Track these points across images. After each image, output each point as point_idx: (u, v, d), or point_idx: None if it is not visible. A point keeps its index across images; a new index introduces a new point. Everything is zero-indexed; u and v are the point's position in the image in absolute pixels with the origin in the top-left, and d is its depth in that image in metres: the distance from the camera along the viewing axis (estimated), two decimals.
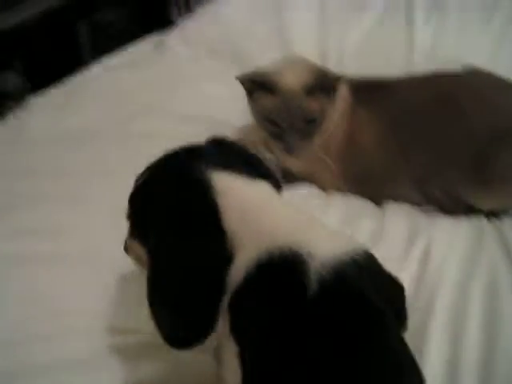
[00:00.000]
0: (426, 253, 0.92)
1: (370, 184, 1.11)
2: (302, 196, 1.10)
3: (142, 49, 1.47)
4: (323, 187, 1.14)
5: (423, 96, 1.08)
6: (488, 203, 1.06)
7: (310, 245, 0.60)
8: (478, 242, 0.96)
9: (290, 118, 1.03)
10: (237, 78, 1.05)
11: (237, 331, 0.60)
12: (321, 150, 1.09)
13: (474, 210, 1.06)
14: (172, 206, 0.66)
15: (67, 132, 1.15)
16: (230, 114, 1.22)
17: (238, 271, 0.60)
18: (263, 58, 1.15)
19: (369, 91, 1.10)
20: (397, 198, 1.09)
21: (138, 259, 0.74)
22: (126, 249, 0.76)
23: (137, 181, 0.72)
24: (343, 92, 1.09)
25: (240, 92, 1.09)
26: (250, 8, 1.47)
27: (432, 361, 0.76)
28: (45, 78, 2.08)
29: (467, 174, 1.04)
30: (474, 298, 0.85)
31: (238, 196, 0.65)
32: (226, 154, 0.72)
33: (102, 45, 2.35)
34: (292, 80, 1.04)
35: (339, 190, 1.12)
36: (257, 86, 1.05)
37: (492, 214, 1.06)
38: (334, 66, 1.29)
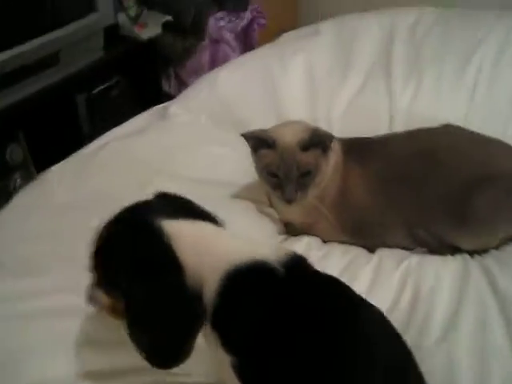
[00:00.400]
0: (416, 291, 1.05)
1: (364, 232, 1.24)
2: (301, 247, 1.22)
3: (147, 118, 1.60)
4: (322, 237, 1.27)
5: (405, 151, 1.23)
6: (469, 243, 1.19)
7: (263, 253, 0.77)
8: (464, 277, 1.09)
9: (287, 169, 1.17)
10: (242, 135, 1.20)
11: (227, 342, 0.74)
12: (317, 201, 1.23)
13: (459, 250, 1.20)
14: (135, 254, 0.78)
15: (88, 197, 1.27)
16: (235, 175, 1.35)
17: (209, 294, 0.74)
18: (259, 124, 1.29)
19: (358, 149, 1.25)
20: (389, 243, 1.22)
21: (101, 307, 0.85)
22: (90, 298, 0.86)
23: (98, 236, 0.82)
24: (336, 150, 1.23)
25: (242, 153, 1.24)
26: (243, 78, 1.64)
27: None
28: (46, 149, 2.24)
29: (448, 218, 1.18)
30: (465, 332, 0.97)
31: (188, 236, 0.79)
32: (171, 204, 0.86)
33: (99, 115, 2.54)
34: (288, 137, 1.19)
35: (337, 238, 1.26)
36: (259, 142, 1.20)
37: (475, 253, 1.19)
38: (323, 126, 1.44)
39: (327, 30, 1.79)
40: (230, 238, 0.82)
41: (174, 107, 1.59)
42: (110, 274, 0.81)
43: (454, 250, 1.19)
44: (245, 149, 1.24)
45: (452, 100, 1.49)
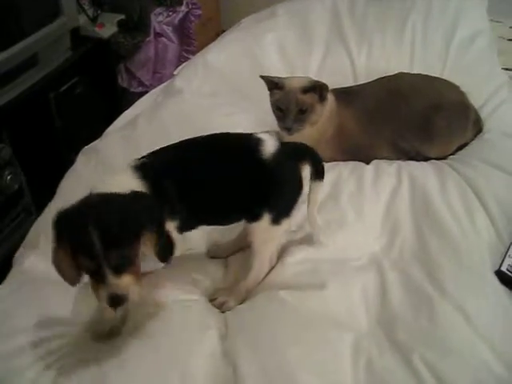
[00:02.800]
0: (411, 177, 1.55)
1: (358, 153, 1.70)
2: None
3: (158, 95, 2.00)
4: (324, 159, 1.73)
5: (379, 92, 1.72)
6: (434, 152, 1.70)
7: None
8: (440, 169, 1.59)
9: (289, 105, 1.59)
10: (261, 76, 1.62)
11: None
12: (318, 135, 1.66)
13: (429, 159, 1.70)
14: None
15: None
16: (247, 127, 1.76)
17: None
18: (253, 90, 1.73)
19: (345, 95, 1.71)
20: (378, 157, 1.70)
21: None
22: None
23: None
24: (331, 100, 1.66)
25: (249, 112, 1.70)
26: (229, 57, 2.08)
27: None
28: (28, 145, 2.53)
29: (417, 135, 1.67)
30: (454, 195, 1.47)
31: None
32: None
33: (67, 111, 2.83)
34: (294, 82, 1.62)
35: (336, 160, 1.71)
36: (273, 84, 1.63)
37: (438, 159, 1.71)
38: None
39: (281, 12, 2.27)
40: None
41: (178, 83, 1.98)
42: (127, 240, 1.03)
43: (425, 159, 1.70)
44: (248, 107, 1.67)
45: (397, 55, 2.02)
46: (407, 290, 1.23)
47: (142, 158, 1.20)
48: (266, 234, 1.24)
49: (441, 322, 1.15)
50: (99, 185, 1.08)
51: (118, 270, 0.99)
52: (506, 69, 2.12)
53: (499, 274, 1.28)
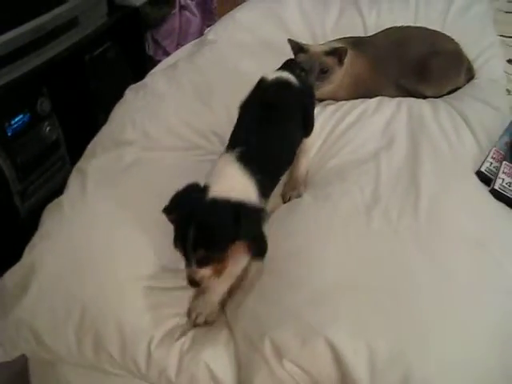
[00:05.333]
0: (409, 106, 1.92)
1: (369, 93, 2.06)
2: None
3: (193, 46, 2.39)
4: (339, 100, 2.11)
5: (387, 41, 2.09)
6: (430, 91, 2.05)
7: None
8: (435, 102, 1.96)
9: (312, 65, 1.93)
10: (289, 40, 1.98)
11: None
12: (338, 88, 2.02)
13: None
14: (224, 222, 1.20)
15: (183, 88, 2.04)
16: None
17: None
18: (278, 45, 2.10)
19: (358, 46, 2.06)
20: (384, 95, 2.07)
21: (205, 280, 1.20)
22: (197, 279, 1.18)
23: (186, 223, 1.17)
24: (348, 59, 1.97)
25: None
26: (256, 17, 2.46)
27: None
28: (66, 102, 2.89)
29: (417, 76, 2.03)
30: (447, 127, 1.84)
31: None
32: None
33: (100, 74, 3.18)
34: (317, 47, 1.96)
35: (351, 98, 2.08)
36: (298, 48, 1.97)
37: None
38: (320, 40, 2.29)
39: None
40: None
41: (211, 36, 2.37)
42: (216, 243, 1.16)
43: (423, 98, 2.07)
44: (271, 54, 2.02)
45: (403, 16, 2.38)
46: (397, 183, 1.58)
47: (234, 144, 1.39)
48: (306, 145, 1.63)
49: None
50: (213, 184, 1.24)
51: (201, 264, 1.16)
52: (502, 35, 2.50)
53: (479, 174, 1.63)
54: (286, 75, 1.56)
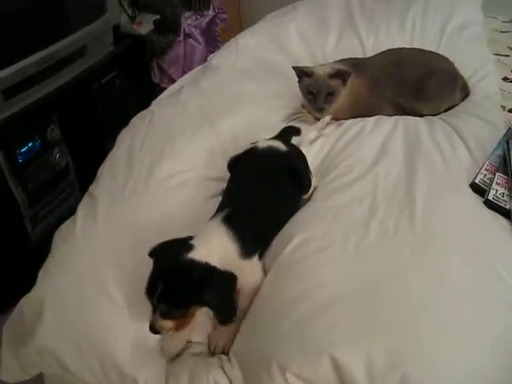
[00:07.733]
0: (405, 124, 2.03)
1: (368, 111, 2.18)
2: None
3: (197, 71, 2.53)
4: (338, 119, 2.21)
5: (384, 62, 2.20)
6: (427, 110, 2.16)
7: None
8: (431, 121, 2.06)
9: (319, 89, 2.05)
10: (293, 67, 2.10)
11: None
12: (338, 109, 2.13)
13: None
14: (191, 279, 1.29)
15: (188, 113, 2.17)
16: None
17: None
18: (281, 70, 2.27)
19: (357, 68, 2.16)
20: (382, 115, 2.18)
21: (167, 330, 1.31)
22: (158, 329, 1.30)
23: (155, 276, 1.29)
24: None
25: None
26: (258, 43, 2.60)
27: None
28: (74, 129, 3.01)
29: (413, 95, 2.15)
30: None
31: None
32: None
33: (107, 102, 3.32)
34: (321, 70, 2.07)
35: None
36: (303, 73, 2.09)
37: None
38: (321, 62, 2.41)
39: (301, 7, 2.82)
40: None
41: (215, 61, 2.50)
42: (178, 302, 1.27)
43: (420, 116, 2.19)
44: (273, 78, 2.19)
45: (400, 39, 2.52)
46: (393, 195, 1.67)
47: (224, 204, 1.51)
48: None
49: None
50: (197, 245, 1.34)
51: (163, 315, 1.27)
52: (497, 54, 2.62)
53: (473, 186, 1.71)
54: (277, 143, 1.70)
